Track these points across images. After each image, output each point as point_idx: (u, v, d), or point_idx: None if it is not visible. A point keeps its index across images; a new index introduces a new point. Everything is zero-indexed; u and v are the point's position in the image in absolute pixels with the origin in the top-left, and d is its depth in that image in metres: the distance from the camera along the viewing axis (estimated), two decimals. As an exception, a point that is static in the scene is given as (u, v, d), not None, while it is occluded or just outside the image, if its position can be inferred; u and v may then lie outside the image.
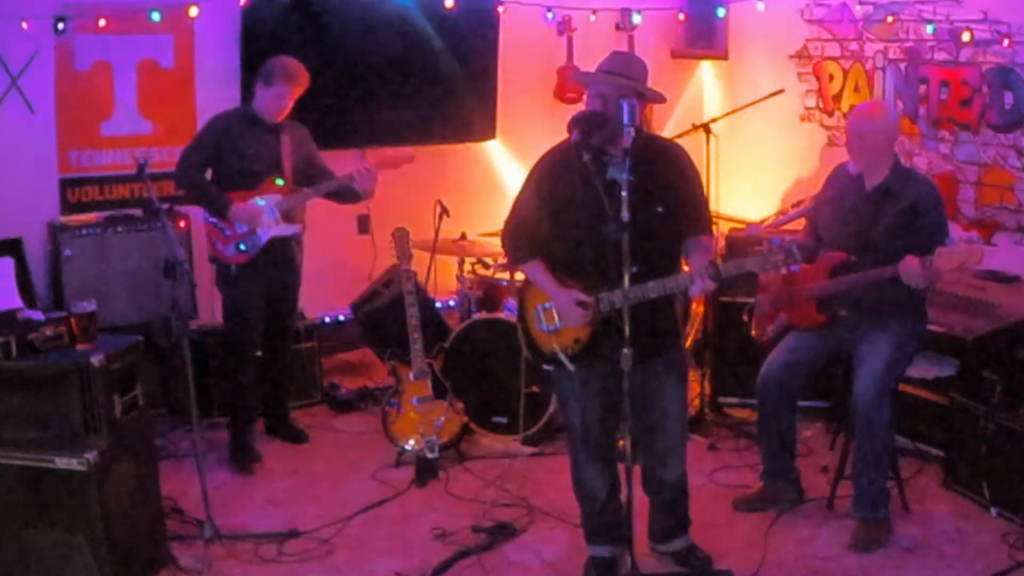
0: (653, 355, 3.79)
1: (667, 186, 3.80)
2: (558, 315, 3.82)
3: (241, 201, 4.89)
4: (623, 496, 3.78)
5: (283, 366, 5.37)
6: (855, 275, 4.19)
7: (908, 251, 4.01)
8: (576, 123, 3.68)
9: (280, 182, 4.97)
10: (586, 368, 3.83)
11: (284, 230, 5.01)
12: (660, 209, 3.76)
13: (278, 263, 5.06)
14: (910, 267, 3.94)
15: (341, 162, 6.04)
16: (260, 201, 4.93)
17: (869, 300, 4.22)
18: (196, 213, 5.37)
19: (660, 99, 3.92)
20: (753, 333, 4.67)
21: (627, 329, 3.51)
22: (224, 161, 4.93)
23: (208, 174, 4.98)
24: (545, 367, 3.99)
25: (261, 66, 4.97)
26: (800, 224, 5.11)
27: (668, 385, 3.96)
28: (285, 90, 4.90)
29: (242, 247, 4.93)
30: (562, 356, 3.80)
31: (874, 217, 4.22)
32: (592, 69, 3.88)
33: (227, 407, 5.21)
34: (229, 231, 4.93)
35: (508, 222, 4.00)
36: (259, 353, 5.22)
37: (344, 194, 5.12)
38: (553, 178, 3.83)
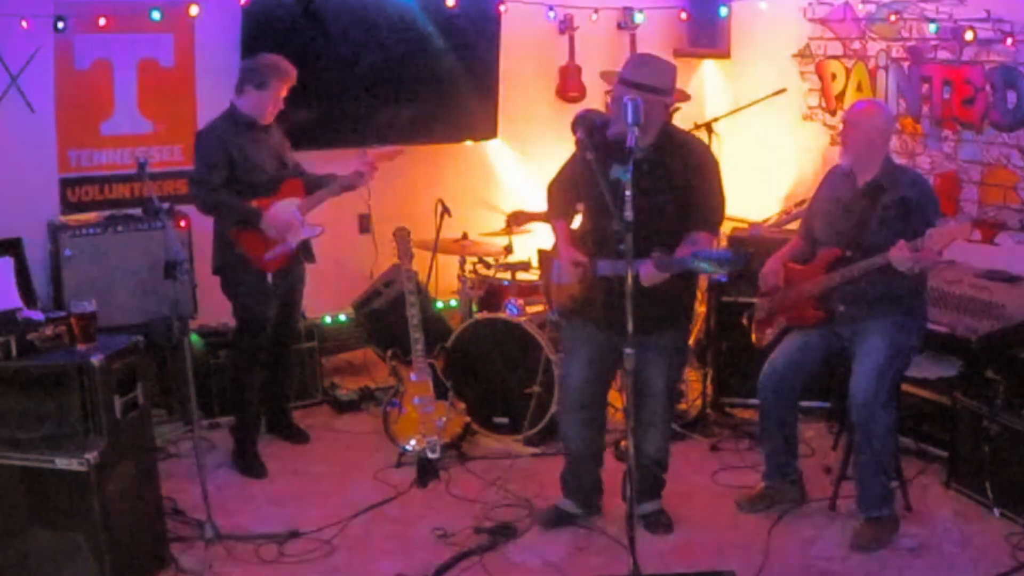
0: (646, 333, 3.85)
1: (679, 180, 3.95)
2: (561, 271, 4.16)
3: (266, 208, 4.82)
4: (624, 496, 3.80)
5: (286, 367, 5.36)
6: (849, 267, 4.20)
7: None
8: (579, 122, 3.71)
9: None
10: (579, 330, 4.22)
11: (311, 232, 4.98)
12: (668, 201, 3.93)
13: (293, 267, 5.05)
14: (898, 251, 3.94)
15: (342, 161, 6.03)
16: (287, 206, 4.87)
17: (867, 295, 4.22)
18: (197, 213, 5.36)
19: (685, 98, 4.15)
20: (753, 338, 4.66)
21: (630, 327, 3.54)
22: (238, 173, 4.81)
23: None
24: (551, 316, 4.79)
25: (248, 68, 4.88)
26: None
27: (656, 362, 4.14)
28: (280, 89, 4.84)
29: (276, 253, 4.86)
30: (556, 308, 4.34)
31: (867, 213, 4.23)
32: (619, 69, 4.04)
33: (233, 411, 5.16)
34: (261, 240, 4.82)
35: (552, 180, 4.34)
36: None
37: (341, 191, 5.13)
38: (578, 167, 4.10)
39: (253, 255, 4.84)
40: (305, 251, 5.10)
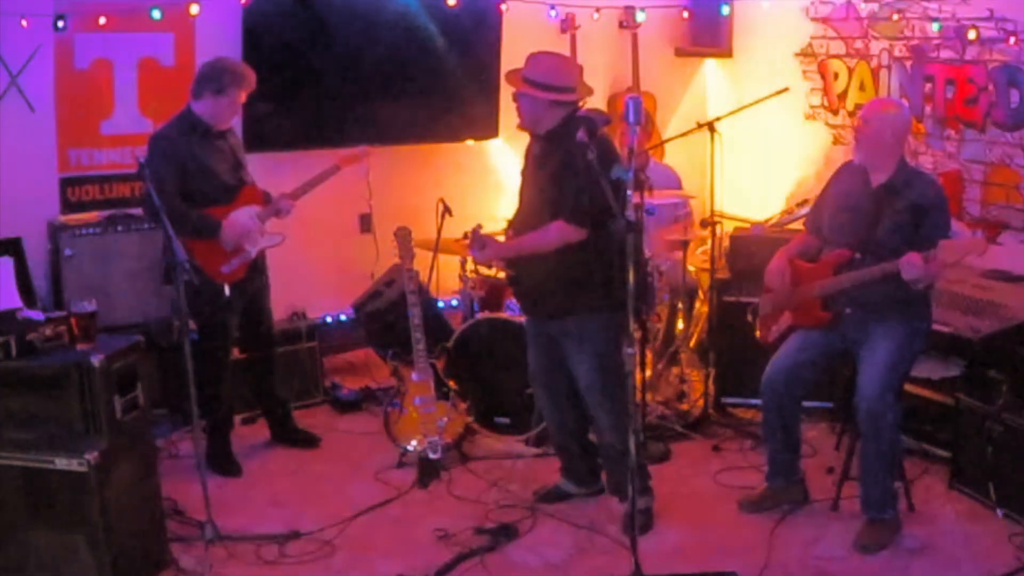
0: (546, 318, 4.32)
1: (549, 174, 4.14)
2: None
3: (224, 218, 4.73)
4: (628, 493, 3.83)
5: (270, 372, 5.27)
6: (858, 272, 4.17)
7: (911, 249, 3.98)
8: (579, 122, 3.74)
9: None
10: (527, 317, 4.59)
11: (270, 241, 4.91)
12: (542, 190, 4.18)
13: (254, 275, 4.96)
14: (910, 262, 3.92)
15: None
16: (245, 213, 4.80)
17: (873, 298, 4.19)
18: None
19: (589, 93, 4.32)
20: (757, 334, 4.65)
21: (631, 324, 3.59)
22: (191, 181, 4.67)
23: None
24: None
25: (206, 73, 4.76)
26: (803, 223, 5.08)
27: (571, 352, 4.32)
28: (238, 95, 4.76)
29: (234, 265, 4.80)
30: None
31: (878, 215, 4.20)
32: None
33: (203, 413, 4.91)
34: (218, 251, 4.74)
35: None
36: (243, 355, 5.20)
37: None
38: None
39: (208, 267, 4.70)
40: (259, 258, 4.96)
